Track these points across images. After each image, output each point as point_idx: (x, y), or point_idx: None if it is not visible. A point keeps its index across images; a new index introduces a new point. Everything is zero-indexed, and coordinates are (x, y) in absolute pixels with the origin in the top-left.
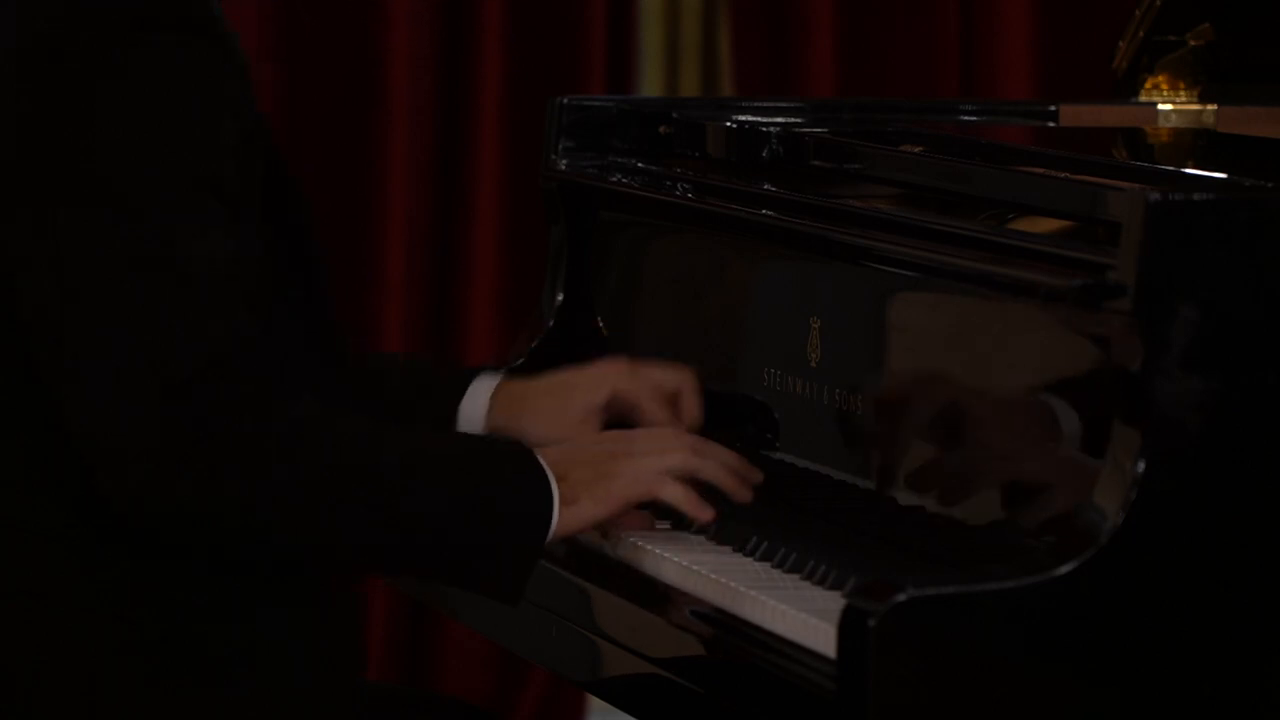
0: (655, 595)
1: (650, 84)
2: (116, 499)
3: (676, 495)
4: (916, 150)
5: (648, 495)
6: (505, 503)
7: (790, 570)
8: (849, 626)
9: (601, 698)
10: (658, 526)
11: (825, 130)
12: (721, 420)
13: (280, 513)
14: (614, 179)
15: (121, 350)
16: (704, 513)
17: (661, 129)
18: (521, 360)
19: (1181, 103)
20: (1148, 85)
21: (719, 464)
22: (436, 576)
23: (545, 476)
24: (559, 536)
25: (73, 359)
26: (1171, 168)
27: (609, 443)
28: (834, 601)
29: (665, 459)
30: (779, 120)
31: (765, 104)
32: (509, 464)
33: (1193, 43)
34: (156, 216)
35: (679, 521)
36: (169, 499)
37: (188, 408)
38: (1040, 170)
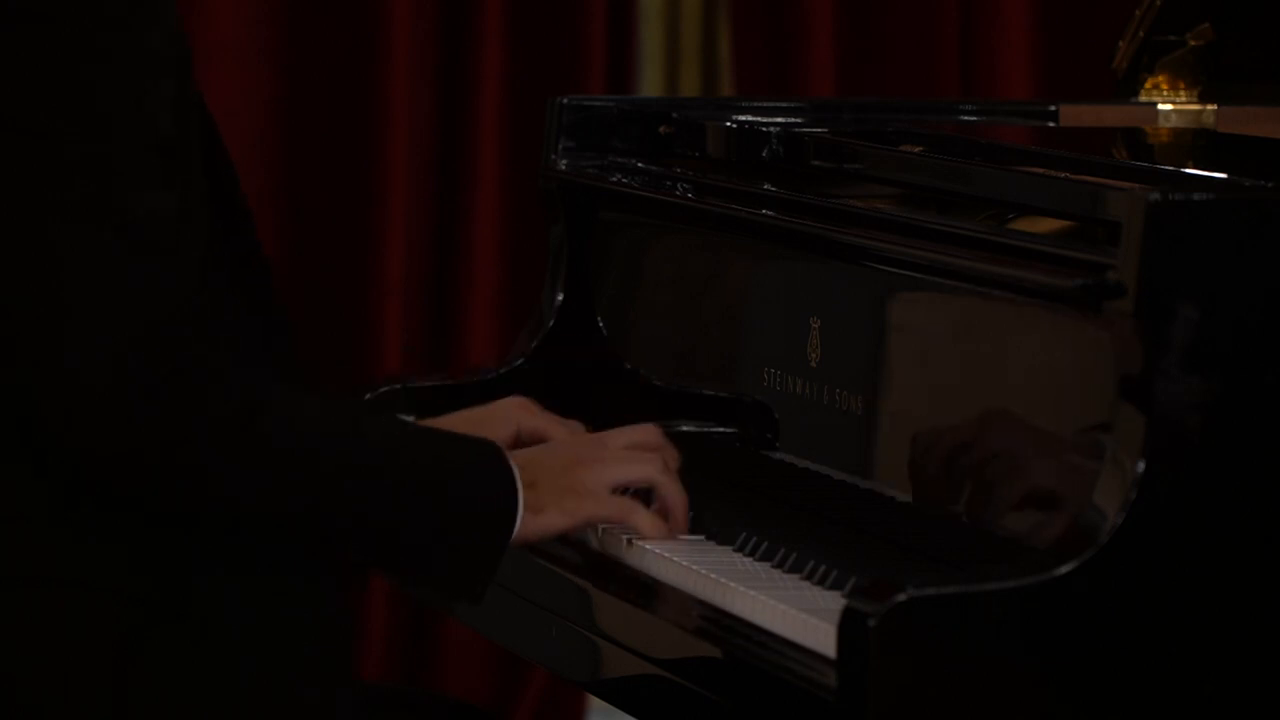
0: (655, 595)
1: (650, 84)
2: (75, 452)
3: (644, 526)
4: (916, 150)
5: (616, 521)
6: (470, 499)
7: (790, 570)
8: (849, 626)
9: (601, 698)
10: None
11: (825, 130)
12: (721, 420)
13: (240, 465)
14: (614, 179)
15: (79, 301)
16: (659, 532)
17: (662, 129)
18: (521, 360)
19: (1181, 103)
20: (1148, 85)
21: (677, 495)
22: (395, 568)
23: (513, 477)
24: (519, 542)
25: (30, 313)
26: (1171, 168)
27: (580, 447)
28: (834, 601)
29: (631, 469)
30: (779, 120)
31: (765, 104)
32: (477, 460)
33: (1193, 43)
34: (110, 174)
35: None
36: (129, 449)
37: (147, 357)
38: (1040, 170)
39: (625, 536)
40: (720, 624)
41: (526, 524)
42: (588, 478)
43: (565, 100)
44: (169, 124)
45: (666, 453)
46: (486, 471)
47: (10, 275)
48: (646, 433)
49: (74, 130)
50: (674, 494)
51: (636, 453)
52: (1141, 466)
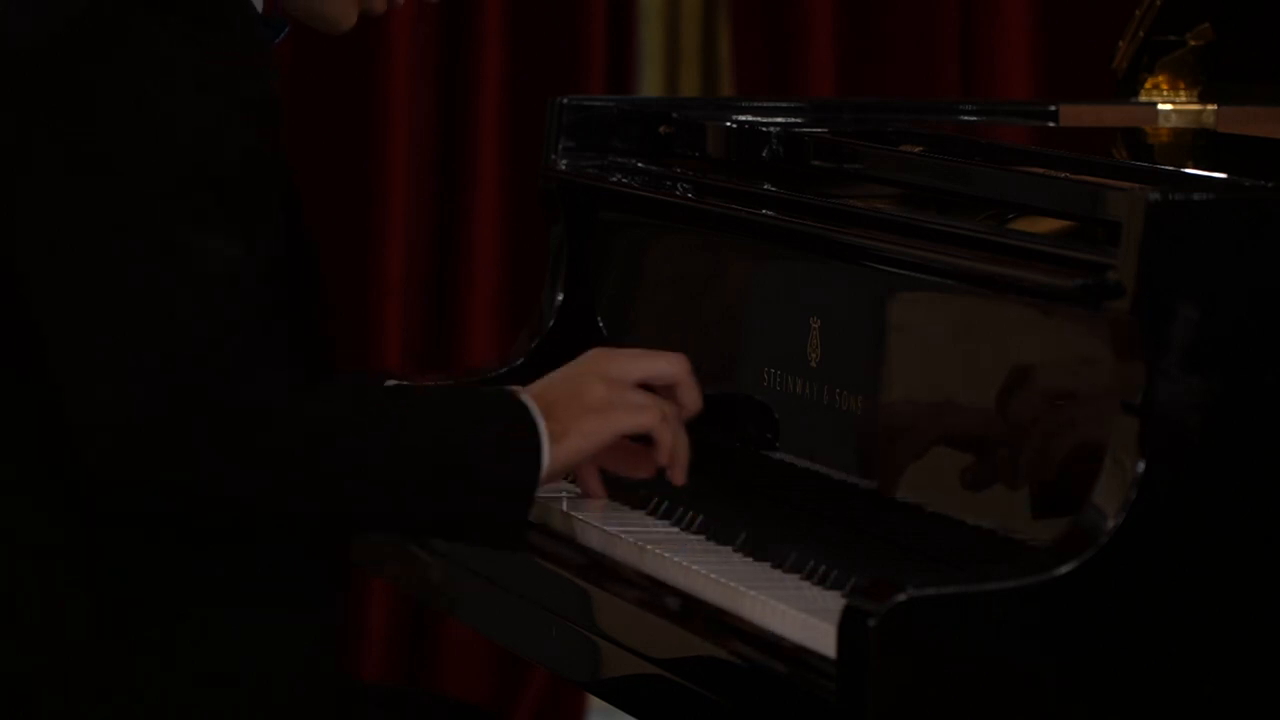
0: (656, 595)
1: (650, 84)
2: (91, 476)
3: (664, 437)
4: (916, 150)
5: (641, 430)
6: (494, 445)
7: (790, 570)
8: (849, 626)
9: (601, 698)
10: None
11: (825, 130)
12: (721, 420)
13: (259, 489)
14: (614, 179)
15: (104, 328)
16: (679, 473)
17: (662, 129)
18: (521, 360)
19: (1181, 103)
20: (1148, 85)
21: (677, 444)
22: (435, 531)
23: (531, 413)
24: (553, 473)
25: (58, 337)
26: (1171, 168)
27: (592, 364)
28: (834, 601)
29: (633, 417)
30: (779, 120)
31: (765, 104)
32: (494, 407)
33: (1193, 43)
34: (150, 203)
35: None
36: (142, 476)
37: (168, 386)
38: (1040, 170)
39: (624, 536)
40: (720, 624)
41: (554, 454)
42: (602, 392)
43: (565, 100)
44: (237, 166)
45: (685, 391)
46: (507, 422)
47: (49, 301)
48: (667, 363)
49: (124, 167)
50: (670, 446)
51: (642, 394)
52: (1141, 466)
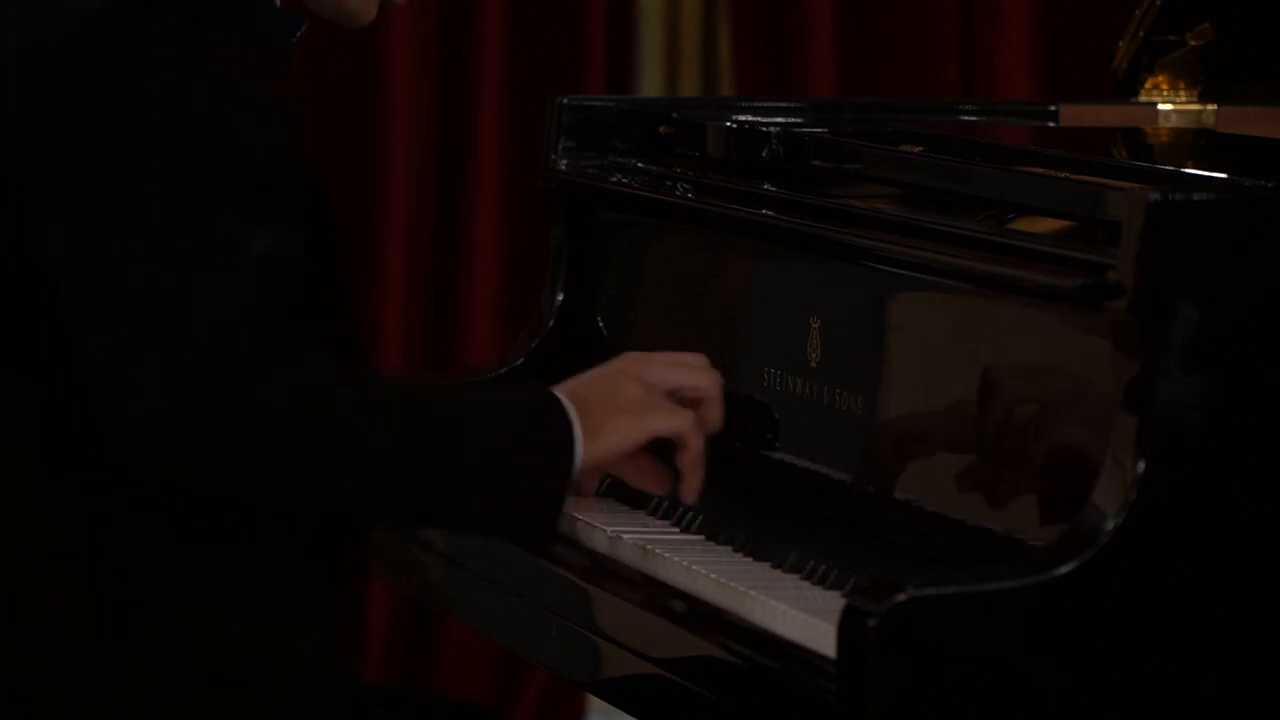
0: (656, 595)
1: (650, 84)
2: (119, 463)
3: (694, 445)
4: (916, 150)
5: (671, 436)
6: (528, 441)
7: (790, 570)
8: (849, 626)
9: (601, 698)
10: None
11: (825, 130)
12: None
13: (289, 481)
14: (614, 179)
15: (134, 315)
16: (692, 490)
17: (662, 129)
18: (521, 360)
19: (1181, 103)
20: (1148, 85)
21: (697, 458)
22: (467, 526)
23: (565, 410)
24: (586, 471)
25: (88, 326)
26: (1171, 168)
27: (625, 365)
28: (834, 601)
29: (664, 420)
30: (779, 120)
31: (765, 104)
32: (527, 402)
33: (1193, 43)
34: (182, 192)
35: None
36: (171, 464)
37: (198, 374)
38: (1040, 170)
39: (624, 536)
40: (720, 624)
41: (586, 451)
42: (638, 394)
43: (565, 100)
44: (267, 162)
45: (712, 407)
46: (540, 416)
47: (79, 290)
48: (703, 376)
49: (158, 159)
50: (695, 455)
51: (674, 402)
52: (1141, 466)
